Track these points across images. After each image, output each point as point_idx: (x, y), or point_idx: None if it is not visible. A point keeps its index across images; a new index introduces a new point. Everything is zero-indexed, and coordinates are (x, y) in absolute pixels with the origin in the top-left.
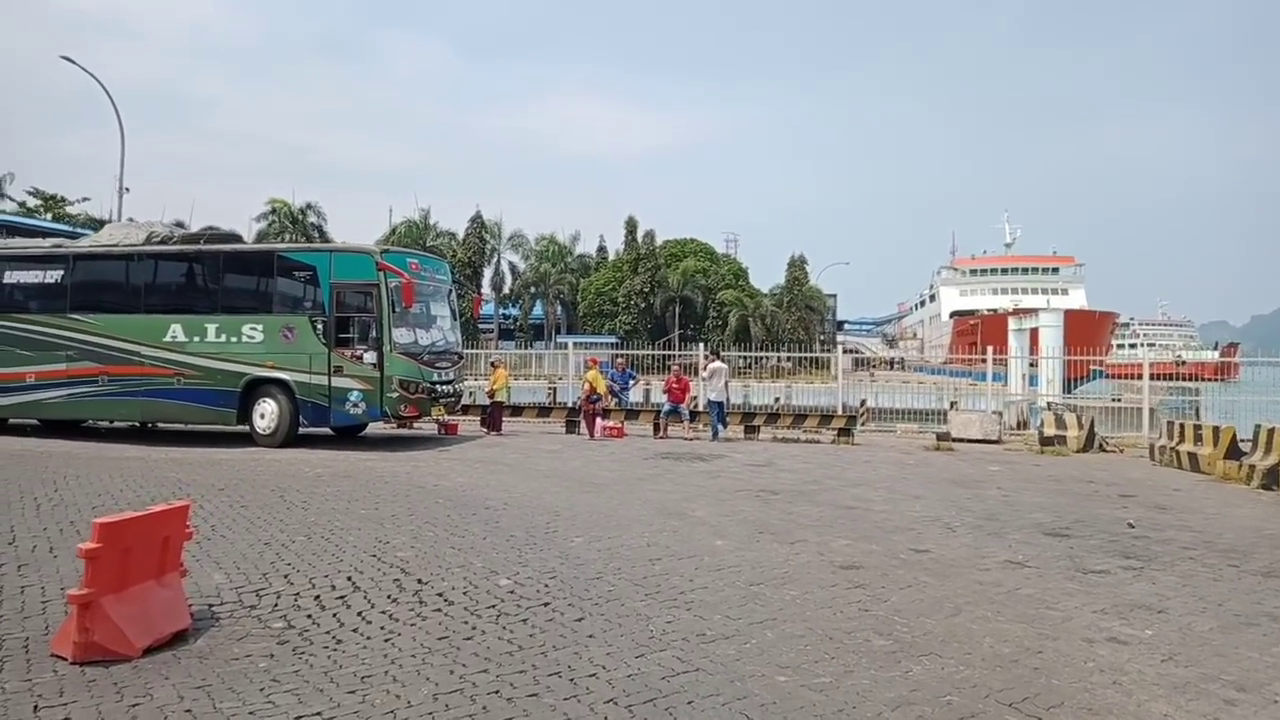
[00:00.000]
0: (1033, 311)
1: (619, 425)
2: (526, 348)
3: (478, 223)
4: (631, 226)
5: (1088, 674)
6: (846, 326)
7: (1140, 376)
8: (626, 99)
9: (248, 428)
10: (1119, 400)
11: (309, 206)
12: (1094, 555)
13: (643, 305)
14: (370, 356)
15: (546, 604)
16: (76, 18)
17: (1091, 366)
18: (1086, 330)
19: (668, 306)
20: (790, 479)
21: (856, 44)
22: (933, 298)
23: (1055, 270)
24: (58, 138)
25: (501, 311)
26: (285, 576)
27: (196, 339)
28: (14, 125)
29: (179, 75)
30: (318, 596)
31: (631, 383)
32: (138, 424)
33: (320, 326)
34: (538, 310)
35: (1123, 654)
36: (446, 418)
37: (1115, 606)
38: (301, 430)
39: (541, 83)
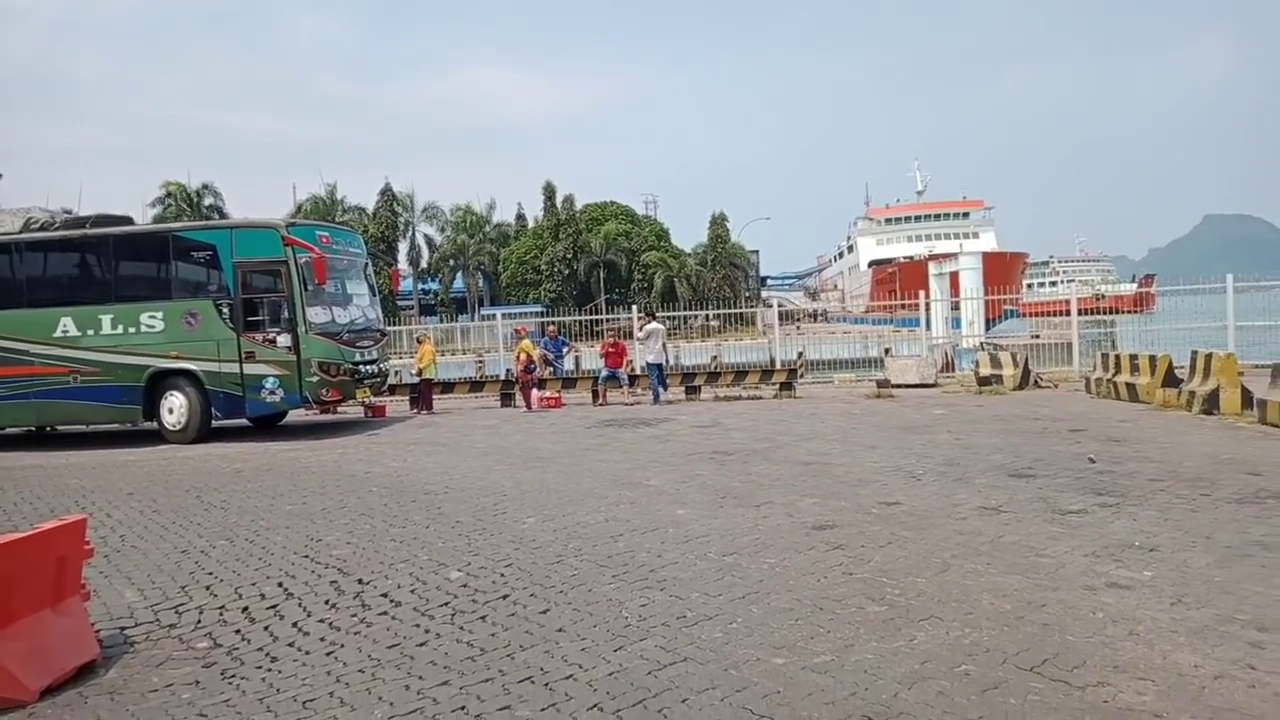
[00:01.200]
0: (951, 256)
1: (556, 395)
2: (451, 321)
3: (388, 195)
4: (550, 192)
5: (1100, 626)
6: (770, 282)
7: (1066, 312)
8: (537, 67)
9: (156, 424)
10: (1038, 337)
11: (205, 187)
12: (1066, 495)
13: (566, 272)
14: (284, 339)
15: (505, 596)
16: None
17: (1005, 306)
18: (1001, 271)
19: (592, 271)
20: (741, 438)
21: (762, 4)
22: (851, 249)
23: (966, 215)
24: None
25: (421, 286)
26: (207, 588)
27: (91, 332)
28: None
29: (61, 55)
30: (246, 608)
31: (566, 350)
32: (34, 429)
33: (226, 310)
34: (459, 283)
35: (1129, 599)
36: (373, 400)
37: (1105, 548)
38: (216, 423)
39: (448, 53)
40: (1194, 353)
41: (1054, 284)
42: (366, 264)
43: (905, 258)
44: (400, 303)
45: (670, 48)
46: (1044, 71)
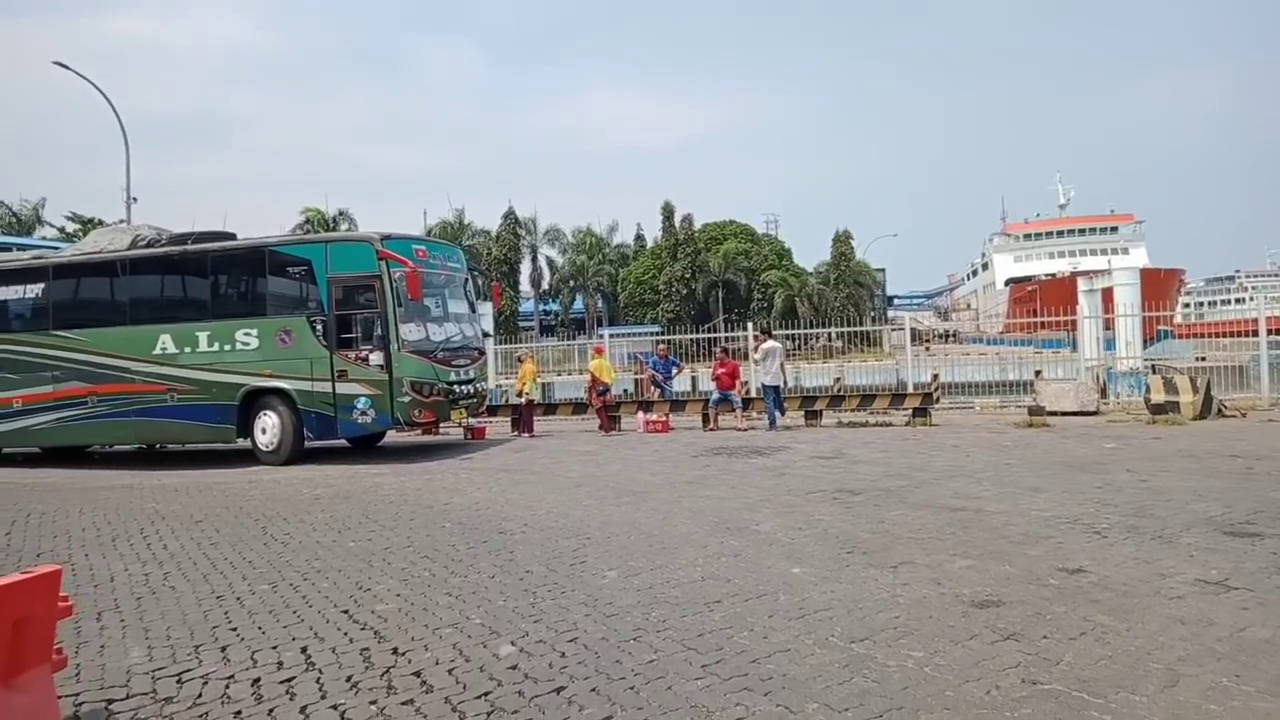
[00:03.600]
0: (1099, 272)
1: (664, 418)
2: (570, 340)
3: (511, 219)
4: (668, 212)
5: None
6: (897, 301)
7: (1248, 333)
8: (657, 92)
9: (250, 444)
10: (1204, 360)
11: (341, 213)
12: None
13: (684, 292)
14: (376, 357)
15: (559, 689)
16: (119, 48)
17: (1158, 326)
18: (1155, 289)
19: (710, 291)
20: (870, 473)
21: (889, 18)
22: (985, 266)
23: (1114, 229)
24: (94, 164)
25: (542, 307)
26: (224, 649)
27: (188, 350)
28: (52, 153)
29: (216, 98)
30: (257, 680)
31: (675, 370)
32: (138, 447)
33: (320, 327)
34: (578, 304)
35: None
36: (472, 421)
37: None
38: (311, 444)
39: (570, 81)
40: None
41: (1240, 300)
42: (467, 279)
43: (1046, 275)
44: (521, 323)
45: (791, 66)
46: (1193, 74)
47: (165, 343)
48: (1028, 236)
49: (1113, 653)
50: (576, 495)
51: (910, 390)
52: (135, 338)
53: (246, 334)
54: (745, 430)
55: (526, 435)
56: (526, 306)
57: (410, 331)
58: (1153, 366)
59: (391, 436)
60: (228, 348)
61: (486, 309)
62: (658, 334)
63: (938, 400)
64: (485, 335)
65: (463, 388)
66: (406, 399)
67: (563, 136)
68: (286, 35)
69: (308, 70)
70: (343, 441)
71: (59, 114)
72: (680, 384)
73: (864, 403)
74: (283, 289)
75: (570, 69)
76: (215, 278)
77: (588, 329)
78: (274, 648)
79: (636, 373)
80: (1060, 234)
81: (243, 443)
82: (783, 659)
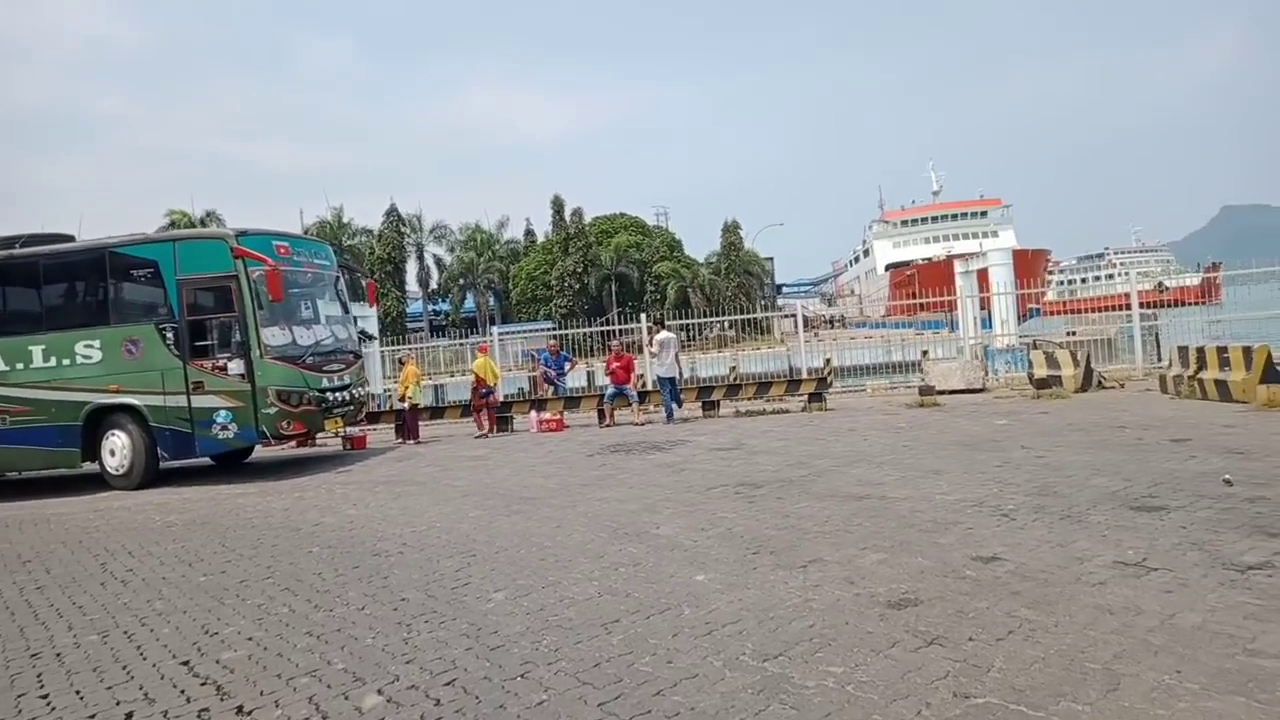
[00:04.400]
0: (974, 255)
1: (558, 416)
2: (462, 339)
3: (394, 216)
4: (558, 206)
5: None
6: (785, 289)
7: (1121, 307)
8: (545, 86)
9: (99, 468)
10: (1074, 334)
11: (209, 214)
12: (1224, 536)
13: (577, 286)
14: (236, 366)
15: None
16: None
17: (1028, 305)
18: (1025, 269)
19: (603, 285)
20: (771, 464)
21: (768, 9)
22: (867, 253)
23: (984, 214)
24: None
25: (431, 307)
26: None
27: (20, 365)
28: None
29: (77, 94)
30: None
31: (568, 366)
32: None
33: (171, 335)
34: (469, 303)
35: None
36: (351, 430)
37: None
38: (168, 464)
39: (454, 77)
40: None
41: (1110, 276)
42: (338, 278)
43: (923, 259)
44: (410, 324)
45: (675, 61)
46: (1050, 68)
47: None
48: (905, 223)
49: (1044, 654)
50: (463, 506)
51: (805, 376)
52: None
53: (88, 346)
54: (642, 424)
55: (412, 442)
56: (415, 307)
57: (273, 336)
58: (1034, 342)
59: (261, 451)
60: (67, 362)
61: (370, 310)
62: (551, 330)
63: (831, 385)
64: (369, 338)
65: (337, 395)
66: (272, 410)
67: (448, 133)
68: (150, 28)
69: (175, 66)
70: (206, 460)
71: None
72: (575, 380)
73: (760, 390)
74: (127, 294)
75: (453, 65)
76: (49, 284)
77: (480, 327)
78: (91, 718)
79: (531, 370)
80: (935, 219)
81: (90, 466)
82: (689, 687)
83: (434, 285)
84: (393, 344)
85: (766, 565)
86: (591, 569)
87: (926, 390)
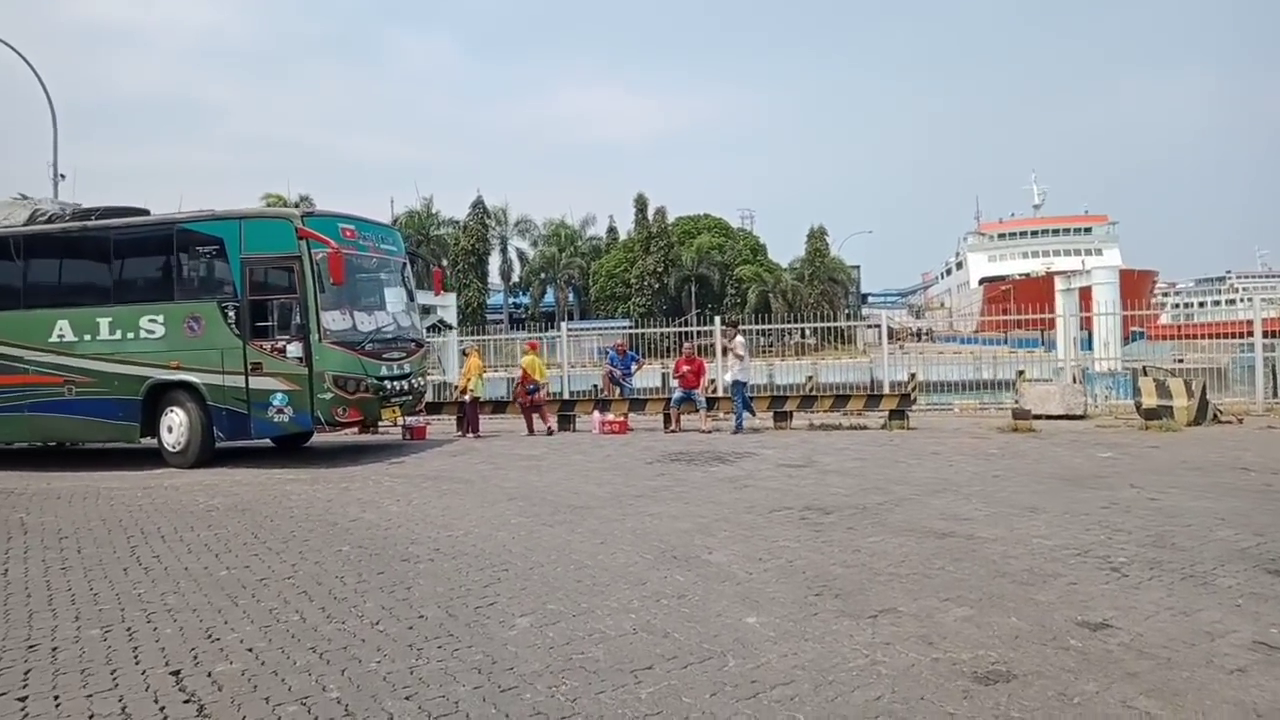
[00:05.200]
0: (1076, 272)
1: (621, 419)
2: (539, 333)
3: (480, 209)
4: (641, 205)
5: None
6: (871, 299)
7: (1241, 335)
8: (636, 87)
9: (157, 444)
10: (1181, 361)
11: (303, 198)
12: None
13: (656, 286)
14: (295, 349)
15: None
16: (90, 28)
17: (1131, 328)
18: (1130, 290)
19: (683, 286)
20: (843, 486)
21: (867, 17)
22: (959, 265)
23: (1088, 230)
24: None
25: (512, 300)
26: None
27: (88, 337)
28: (20, 140)
29: (190, 83)
30: None
31: (635, 366)
32: (41, 446)
33: (233, 314)
34: (549, 297)
35: None
36: (411, 420)
37: None
38: (228, 444)
39: (545, 77)
40: None
41: (1231, 301)
42: (405, 264)
43: (1021, 274)
44: (490, 316)
45: (763, 63)
46: (1167, 77)
47: (63, 329)
48: (1002, 236)
49: None
50: (506, 511)
51: (886, 391)
52: (29, 323)
53: (152, 321)
54: (709, 432)
55: (471, 436)
56: (496, 299)
57: (334, 320)
58: (1143, 368)
59: (321, 436)
60: (131, 336)
61: (451, 300)
62: (627, 328)
63: (915, 401)
64: (448, 327)
65: (396, 384)
66: (328, 396)
67: (537, 131)
68: (260, 22)
69: (282, 58)
70: (267, 441)
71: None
72: (648, 380)
73: (837, 403)
74: (192, 271)
75: (545, 65)
76: (118, 258)
77: (557, 322)
78: None
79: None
80: (1034, 234)
81: (149, 442)
82: None
83: (515, 278)
84: (473, 334)
85: (830, 611)
86: (630, 598)
87: (1021, 414)
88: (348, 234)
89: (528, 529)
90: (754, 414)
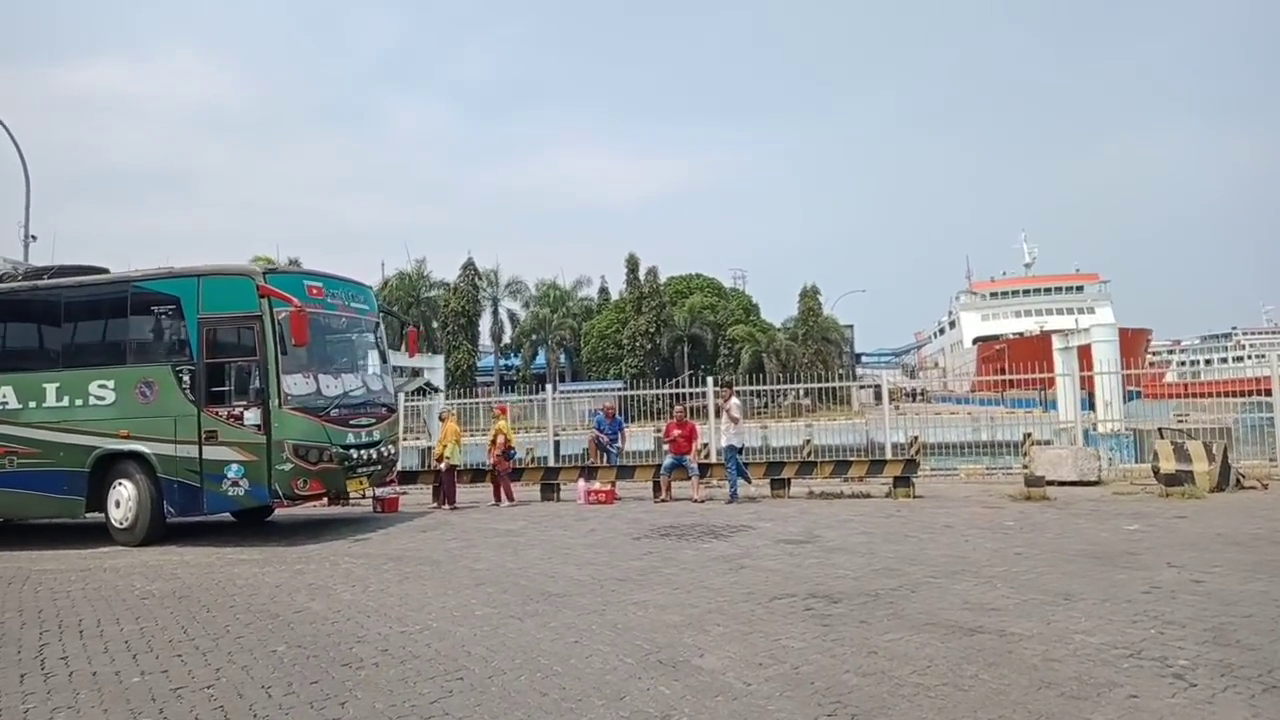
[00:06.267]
0: (1073, 330)
1: (608, 488)
2: (531, 395)
3: (471, 270)
4: (633, 265)
5: None
6: (865, 359)
7: (1255, 392)
8: (626, 149)
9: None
10: (1185, 419)
11: (292, 261)
12: None
13: (649, 346)
14: (252, 415)
15: None
16: (83, 98)
17: (1127, 387)
18: (1126, 348)
19: (675, 346)
20: (850, 566)
21: (854, 76)
22: (953, 324)
23: (1079, 289)
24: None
25: (503, 361)
26: None
27: (32, 404)
28: (17, 205)
29: (186, 152)
30: None
31: (622, 432)
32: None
33: (187, 378)
34: (541, 358)
35: None
36: (382, 491)
37: None
38: (175, 519)
39: (539, 138)
40: None
41: (1239, 359)
42: (378, 324)
43: (1014, 333)
44: (481, 378)
45: (753, 124)
46: (1141, 142)
47: (6, 396)
48: (994, 295)
49: None
50: (471, 600)
51: (889, 456)
52: None
53: (102, 386)
54: (702, 502)
55: (447, 507)
56: (487, 361)
57: (295, 384)
58: (1159, 430)
59: (289, 509)
60: (80, 403)
61: (437, 361)
62: (619, 390)
63: (919, 466)
64: (435, 390)
65: (363, 452)
66: (287, 467)
67: (529, 193)
68: (254, 88)
69: (274, 123)
70: (227, 515)
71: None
72: (641, 443)
73: (838, 469)
74: (146, 332)
75: (537, 127)
76: (69, 319)
77: (548, 384)
78: None
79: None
80: (1026, 292)
81: (96, 517)
82: None
83: (507, 339)
84: (461, 397)
85: None
86: (604, 718)
87: (1034, 481)
88: (314, 292)
89: (493, 623)
90: (749, 481)
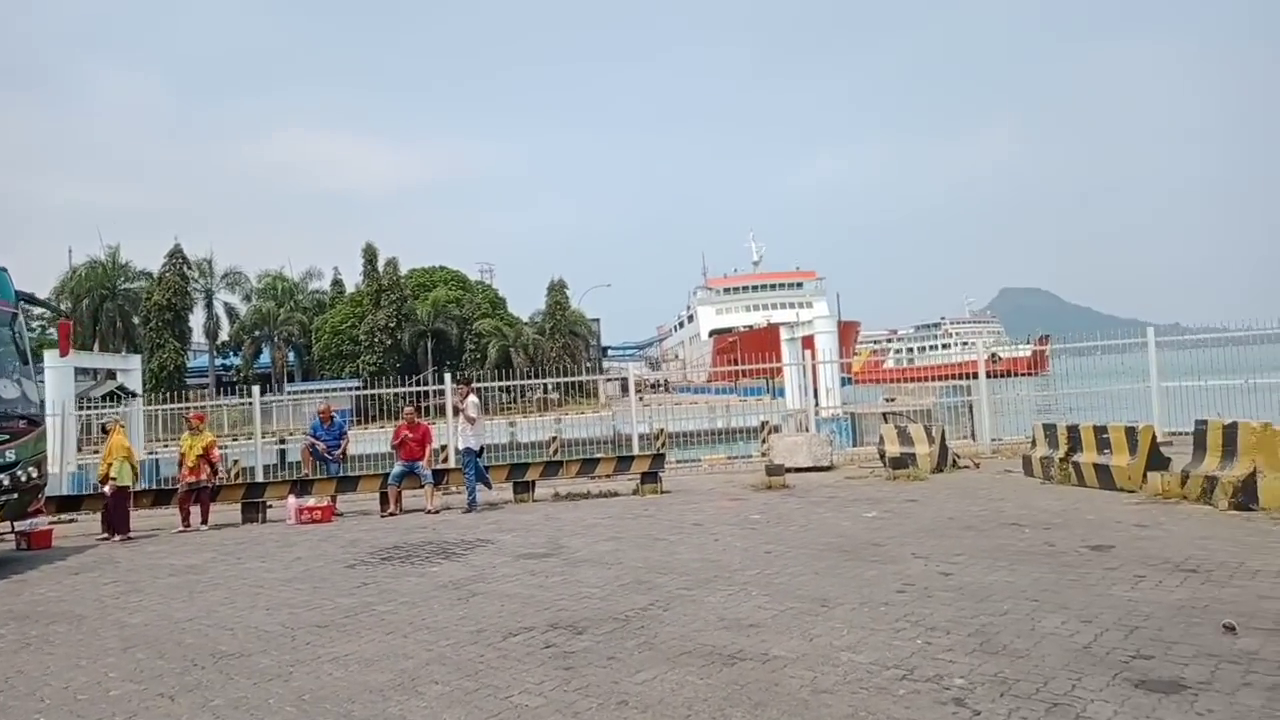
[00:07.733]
0: (798, 323)
1: (325, 504)
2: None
3: (178, 258)
4: (370, 255)
5: None
6: (611, 352)
7: (970, 375)
8: (365, 134)
9: None
10: (892, 400)
11: None
12: None
13: (389, 342)
14: None
15: None
16: None
17: (842, 374)
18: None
19: (418, 341)
20: (598, 581)
21: (599, 76)
22: (691, 318)
23: (800, 285)
24: None
25: (219, 361)
26: None
27: None
28: None
29: None
30: None
31: (344, 438)
32: None
33: None
34: (265, 357)
35: None
36: (24, 524)
37: None
38: None
39: (272, 117)
40: (1201, 421)
41: (946, 346)
42: (15, 315)
43: (745, 326)
44: (191, 380)
45: (501, 118)
46: (851, 154)
47: None
48: (727, 290)
49: None
50: (111, 674)
51: (636, 449)
52: None
53: None
54: (436, 513)
55: (116, 539)
56: (200, 360)
57: None
58: (884, 415)
59: None
60: None
61: (134, 361)
62: (357, 389)
63: (665, 460)
64: (132, 395)
65: None
66: None
67: (252, 175)
68: None
69: None
70: None
71: None
72: (373, 445)
73: (585, 468)
74: None
75: (263, 105)
76: None
77: (278, 385)
78: None
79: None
80: (755, 288)
81: None
82: None
83: (224, 337)
84: (169, 400)
85: None
86: None
87: (774, 469)
88: None
89: (130, 709)
90: (490, 486)
